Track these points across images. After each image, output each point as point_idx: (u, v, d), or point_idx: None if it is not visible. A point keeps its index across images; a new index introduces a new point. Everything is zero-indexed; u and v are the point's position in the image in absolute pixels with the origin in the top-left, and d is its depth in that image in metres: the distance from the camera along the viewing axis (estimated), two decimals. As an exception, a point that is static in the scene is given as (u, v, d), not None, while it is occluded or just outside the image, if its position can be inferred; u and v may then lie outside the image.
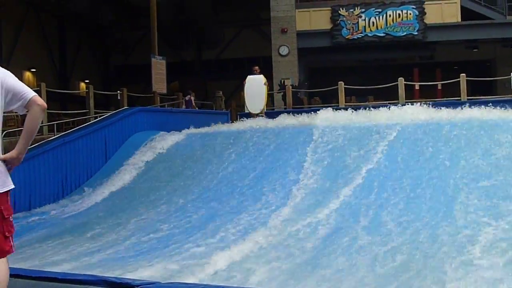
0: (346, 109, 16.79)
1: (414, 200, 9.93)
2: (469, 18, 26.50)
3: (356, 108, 16.42)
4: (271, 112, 19.52)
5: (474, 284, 6.86)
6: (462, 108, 14.23)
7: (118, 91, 18.71)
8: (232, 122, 20.08)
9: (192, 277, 7.10)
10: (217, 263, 7.93)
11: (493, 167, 10.47)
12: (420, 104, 15.33)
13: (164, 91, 22.33)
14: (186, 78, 34.61)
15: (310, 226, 9.39)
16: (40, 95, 14.59)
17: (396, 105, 15.53)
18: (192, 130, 16.14)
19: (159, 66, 22.05)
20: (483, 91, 24.67)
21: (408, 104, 16.25)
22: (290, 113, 16.71)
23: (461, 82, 20.82)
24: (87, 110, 16.98)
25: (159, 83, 21.83)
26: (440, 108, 14.56)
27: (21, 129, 13.52)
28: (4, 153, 4.04)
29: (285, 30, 26.14)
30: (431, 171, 10.82)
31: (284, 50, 26.12)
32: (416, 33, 26.63)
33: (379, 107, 15.64)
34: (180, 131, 16.09)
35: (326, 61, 30.31)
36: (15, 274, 6.77)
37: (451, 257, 7.72)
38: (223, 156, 13.49)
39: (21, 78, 29.07)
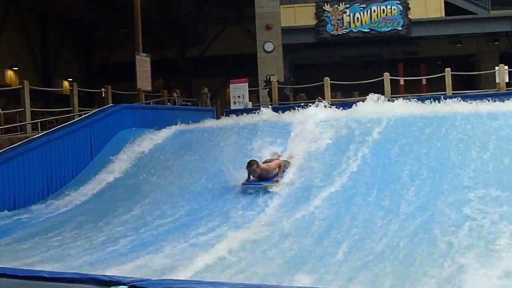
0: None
1: None
2: (452, 13, 26.62)
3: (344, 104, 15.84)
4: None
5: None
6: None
7: (103, 89, 18.50)
8: (218, 118, 19.94)
9: (184, 272, 7.00)
10: None
11: None
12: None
13: (149, 88, 22.15)
14: (170, 75, 34.48)
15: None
16: (23, 93, 14.36)
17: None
18: (180, 126, 16.06)
19: (143, 63, 21.86)
20: (467, 86, 24.79)
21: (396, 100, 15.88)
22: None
23: (446, 76, 20.90)
24: (71, 108, 16.75)
25: (144, 80, 21.63)
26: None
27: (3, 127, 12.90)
28: None
29: (270, 26, 26.09)
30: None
31: (269, 46, 26.07)
32: (400, 28, 26.74)
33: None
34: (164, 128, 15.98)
35: (311, 57, 30.30)
36: (1, 274, 6.65)
37: None
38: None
39: (3, 77, 28.65)
